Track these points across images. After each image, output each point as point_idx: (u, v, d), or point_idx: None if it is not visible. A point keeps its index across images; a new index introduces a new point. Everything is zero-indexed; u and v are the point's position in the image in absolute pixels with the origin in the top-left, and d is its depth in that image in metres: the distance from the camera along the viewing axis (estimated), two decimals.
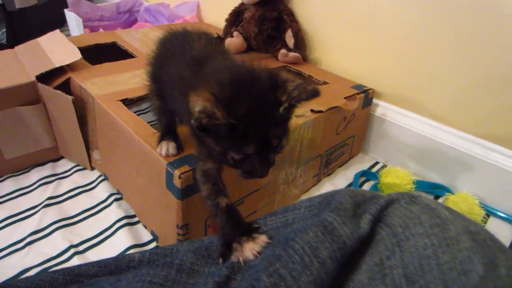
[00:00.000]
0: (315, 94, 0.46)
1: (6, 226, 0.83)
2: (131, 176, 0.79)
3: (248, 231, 0.46)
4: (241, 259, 0.42)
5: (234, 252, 0.43)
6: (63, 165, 1.02)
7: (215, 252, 0.46)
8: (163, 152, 0.65)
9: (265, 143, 0.47)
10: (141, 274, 0.44)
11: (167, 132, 0.68)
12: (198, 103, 0.42)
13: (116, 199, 0.90)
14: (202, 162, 0.56)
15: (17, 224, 0.83)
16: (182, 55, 0.60)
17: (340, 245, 0.34)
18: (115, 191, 0.92)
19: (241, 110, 0.44)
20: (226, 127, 0.43)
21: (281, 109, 0.46)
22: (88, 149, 0.96)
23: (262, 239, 0.43)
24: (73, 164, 1.02)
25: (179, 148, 0.66)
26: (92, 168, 1.00)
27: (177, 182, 0.62)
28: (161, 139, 0.67)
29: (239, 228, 0.46)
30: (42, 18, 1.79)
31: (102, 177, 0.97)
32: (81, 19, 1.56)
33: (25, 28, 1.74)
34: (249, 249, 0.42)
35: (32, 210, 0.87)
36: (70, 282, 0.47)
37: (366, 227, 0.36)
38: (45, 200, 0.89)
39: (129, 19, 1.83)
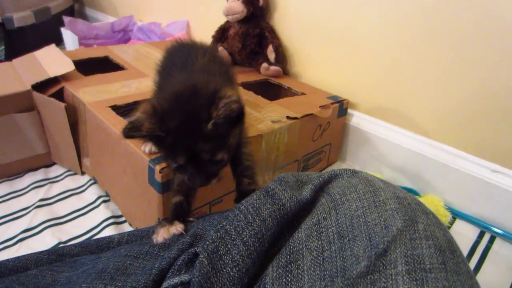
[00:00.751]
0: (238, 111, 0.47)
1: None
2: (118, 176, 0.85)
3: (175, 220, 0.54)
4: (154, 240, 0.51)
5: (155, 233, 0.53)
6: (55, 170, 1.07)
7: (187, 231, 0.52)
8: (147, 149, 0.71)
9: (195, 156, 0.50)
10: (119, 251, 0.49)
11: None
12: (135, 113, 0.49)
13: (104, 201, 0.95)
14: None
15: (9, 223, 0.88)
16: (183, 68, 0.64)
17: (279, 206, 0.40)
18: (104, 194, 0.97)
19: (172, 123, 0.48)
20: (155, 137, 0.49)
21: (209, 124, 0.47)
22: (79, 155, 1.02)
23: (177, 227, 0.52)
24: (65, 170, 1.07)
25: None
26: (83, 173, 1.05)
27: (158, 177, 0.68)
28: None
29: (172, 218, 0.55)
30: (39, 37, 1.88)
31: (91, 181, 1.02)
32: (76, 37, 1.64)
33: (23, 45, 1.82)
34: (160, 233, 0.52)
35: (24, 211, 0.92)
36: (54, 260, 0.52)
37: (307, 194, 0.42)
38: (36, 202, 0.94)
39: (124, 37, 1.92)
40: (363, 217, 0.37)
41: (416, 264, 0.30)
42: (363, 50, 1.09)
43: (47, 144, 1.06)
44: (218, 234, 0.39)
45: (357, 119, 1.16)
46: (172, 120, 0.48)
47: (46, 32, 1.92)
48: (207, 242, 0.39)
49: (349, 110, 1.17)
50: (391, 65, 1.05)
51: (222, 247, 0.38)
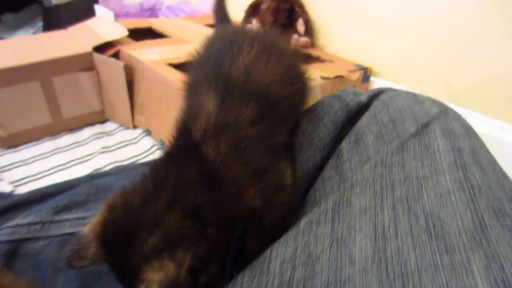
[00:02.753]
0: None
1: (70, 167, 1.00)
2: None
3: None
4: None
5: None
6: (109, 125, 1.20)
7: None
8: None
9: None
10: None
11: None
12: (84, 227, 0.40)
13: (158, 149, 1.08)
14: None
15: (79, 165, 1.01)
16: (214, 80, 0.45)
17: (345, 104, 0.53)
18: (157, 144, 1.10)
19: (113, 259, 0.38)
20: None
21: None
22: (131, 111, 1.14)
23: None
24: (117, 125, 1.20)
25: None
26: (135, 127, 1.18)
27: None
28: None
29: None
30: (73, 14, 1.99)
31: (144, 134, 1.15)
32: (112, 12, 1.75)
33: (58, 23, 1.93)
34: None
35: (90, 156, 1.05)
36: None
37: (364, 98, 0.54)
38: (99, 149, 1.07)
39: (152, 16, 2.03)
40: (408, 109, 0.49)
41: (449, 132, 0.42)
42: (387, 23, 1.21)
43: (102, 102, 1.18)
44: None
45: (378, 84, 1.29)
46: (113, 256, 0.37)
47: (79, 10, 2.04)
48: None
49: (372, 78, 1.29)
50: (413, 37, 1.17)
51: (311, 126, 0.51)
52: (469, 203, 0.34)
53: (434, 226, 0.33)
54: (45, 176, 0.97)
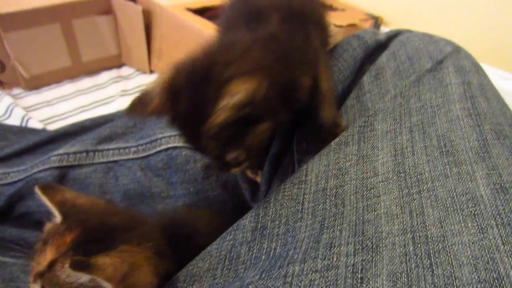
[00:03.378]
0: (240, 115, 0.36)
1: (93, 108, 1.06)
2: None
3: None
4: None
5: None
6: (126, 70, 1.24)
7: None
8: None
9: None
10: None
11: None
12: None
13: None
14: None
15: (101, 106, 1.07)
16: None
17: (364, 42, 0.57)
18: None
19: (180, 106, 0.39)
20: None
21: (210, 123, 0.36)
22: (148, 56, 1.18)
23: None
24: (134, 70, 1.24)
25: None
26: (151, 72, 1.22)
27: None
28: None
29: None
30: None
31: None
32: None
33: None
34: None
35: (111, 98, 1.10)
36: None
37: (382, 37, 0.58)
38: (119, 92, 1.12)
39: None
40: (424, 48, 0.54)
41: (460, 68, 0.48)
42: None
43: (120, 46, 1.22)
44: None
45: None
46: (180, 103, 0.38)
47: None
48: None
49: (382, 27, 1.31)
50: None
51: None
52: (475, 126, 0.40)
53: (445, 145, 0.40)
54: (70, 116, 1.03)
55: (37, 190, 0.41)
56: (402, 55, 0.54)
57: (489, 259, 0.30)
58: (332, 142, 0.45)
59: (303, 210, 0.39)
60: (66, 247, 0.36)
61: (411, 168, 0.39)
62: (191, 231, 0.47)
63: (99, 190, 0.64)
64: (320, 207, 0.38)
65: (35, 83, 1.10)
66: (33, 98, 1.07)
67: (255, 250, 0.38)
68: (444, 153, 0.39)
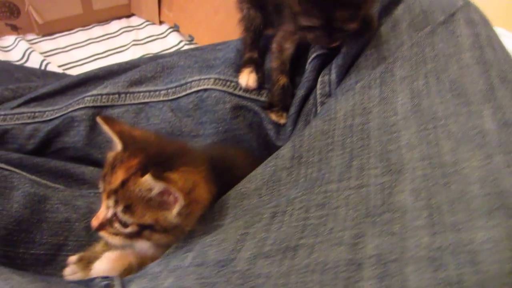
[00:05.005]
0: None
1: (107, 56, 1.09)
2: (207, 18, 1.05)
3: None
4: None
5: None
6: (135, 20, 1.25)
7: None
8: (243, 83, 0.63)
9: (329, 21, 0.50)
10: None
11: (252, 58, 0.66)
12: None
13: (186, 44, 1.16)
14: (281, 37, 0.62)
15: (115, 55, 1.10)
16: None
17: None
18: (185, 39, 1.18)
19: None
20: None
21: None
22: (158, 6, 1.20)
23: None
24: (144, 20, 1.25)
25: (260, 80, 0.64)
26: (161, 23, 1.24)
27: None
28: (244, 65, 0.65)
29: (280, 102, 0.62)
30: None
31: (171, 29, 1.21)
32: None
33: None
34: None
35: (124, 47, 1.13)
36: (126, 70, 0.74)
37: None
38: (131, 42, 1.14)
39: None
40: (437, 1, 0.58)
41: (470, 21, 0.52)
42: None
43: None
44: None
45: None
46: None
47: None
48: None
49: None
50: None
51: None
52: (483, 73, 0.47)
53: (456, 89, 0.46)
54: (86, 63, 1.06)
55: (99, 120, 0.47)
56: (416, 8, 0.58)
57: (494, 178, 0.37)
58: (356, 86, 0.51)
59: (334, 143, 0.46)
60: (134, 168, 0.42)
61: (426, 108, 0.45)
62: (229, 163, 0.54)
63: None
64: (348, 140, 0.45)
65: (48, 29, 1.12)
66: (47, 44, 1.09)
67: (294, 175, 0.45)
68: (456, 95, 0.45)
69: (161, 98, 0.69)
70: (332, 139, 0.46)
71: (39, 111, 0.72)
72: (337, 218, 0.37)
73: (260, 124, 0.64)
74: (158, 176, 0.38)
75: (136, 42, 1.14)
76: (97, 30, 1.18)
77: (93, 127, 0.70)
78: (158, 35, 1.20)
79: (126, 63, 0.79)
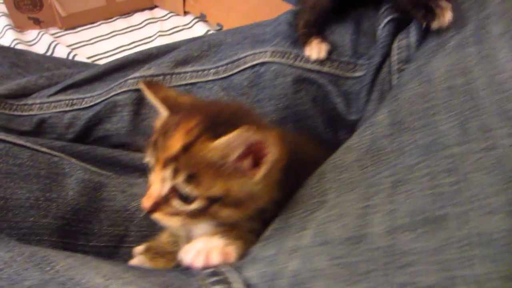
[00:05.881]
0: None
1: (134, 48, 1.04)
2: (238, 4, 1.00)
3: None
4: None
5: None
6: (158, 12, 1.21)
7: None
8: (314, 54, 0.57)
9: None
10: None
11: (313, 28, 0.59)
12: None
13: None
14: None
15: (141, 46, 1.05)
16: None
17: None
18: (213, 28, 1.13)
19: None
20: None
21: None
22: None
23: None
24: (167, 11, 1.21)
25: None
26: (185, 13, 1.19)
27: None
28: (308, 35, 0.59)
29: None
30: None
31: (196, 20, 1.17)
32: None
33: None
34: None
35: (149, 39, 1.08)
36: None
37: None
38: (157, 33, 1.10)
39: None
40: None
41: None
42: None
43: None
44: None
45: None
46: None
47: None
48: None
49: None
50: None
51: None
52: None
53: None
54: (112, 55, 1.01)
55: (142, 86, 0.42)
56: None
57: None
58: (447, 46, 0.46)
59: (436, 106, 0.41)
60: (198, 130, 0.36)
61: None
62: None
63: None
64: (453, 102, 0.40)
65: (71, 23, 1.07)
66: (71, 37, 1.05)
67: (397, 142, 0.39)
68: None
69: (211, 78, 0.64)
70: (434, 102, 0.41)
71: (77, 98, 0.67)
72: (473, 184, 0.32)
73: (326, 98, 0.58)
74: (252, 130, 0.32)
75: (162, 33, 1.10)
76: (121, 23, 1.13)
77: (137, 111, 0.65)
78: (183, 25, 1.15)
79: (165, 46, 0.74)
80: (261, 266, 0.31)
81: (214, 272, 0.32)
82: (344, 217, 0.32)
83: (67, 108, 0.66)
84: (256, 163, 0.36)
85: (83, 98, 0.67)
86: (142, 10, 1.20)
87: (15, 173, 0.45)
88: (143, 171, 0.62)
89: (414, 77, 0.45)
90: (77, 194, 0.47)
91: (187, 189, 0.35)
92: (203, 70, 0.65)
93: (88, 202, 0.48)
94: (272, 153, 0.34)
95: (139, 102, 0.65)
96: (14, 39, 0.97)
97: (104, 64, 0.71)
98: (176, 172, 0.35)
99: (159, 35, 1.09)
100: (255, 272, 0.30)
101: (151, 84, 0.43)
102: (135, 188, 0.53)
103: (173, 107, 0.40)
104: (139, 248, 0.45)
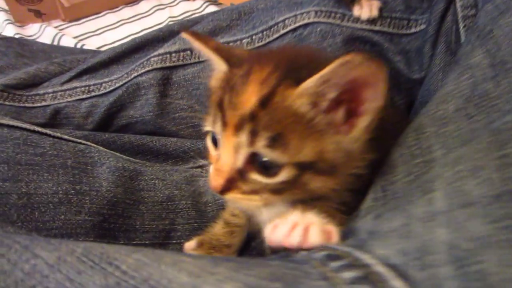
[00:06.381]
0: None
1: None
2: None
3: None
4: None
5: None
6: None
7: None
8: (365, 14, 0.50)
9: None
10: None
11: None
12: None
13: None
14: None
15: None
16: None
17: None
18: None
19: None
20: None
21: None
22: None
23: None
24: None
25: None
26: None
27: None
28: None
29: None
30: None
31: (208, 3, 1.09)
32: None
33: None
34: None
35: (160, 25, 1.00)
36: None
37: None
38: (167, 18, 1.02)
39: None
40: None
41: None
42: None
43: None
44: None
45: None
46: None
47: None
48: None
49: None
50: None
51: None
52: None
53: None
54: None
55: (187, 35, 0.35)
56: None
57: None
58: None
59: None
60: (275, 78, 0.29)
61: None
62: None
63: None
64: None
65: (75, 14, 1.00)
66: (76, 29, 0.97)
67: (504, 84, 0.32)
68: None
69: (245, 48, 0.56)
70: None
71: (94, 84, 0.59)
72: None
73: (382, 57, 0.51)
74: (359, 58, 0.25)
75: (173, 19, 1.02)
76: (127, 11, 1.06)
77: (164, 93, 0.58)
78: (194, 10, 1.07)
79: (188, 21, 0.66)
80: (393, 241, 0.24)
81: (334, 255, 0.24)
82: (479, 172, 0.24)
83: (84, 96, 0.59)
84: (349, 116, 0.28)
85: (101, 83, 0.59)
86: None
87: (37, 164, 0.38)
88: (177, 158, 0.55)
89: (506, 10, 0.37)
90: (112, 185, 0.39)
91: (272, 156, 0.27)
92: (235, 41, 0.57)
93: (125, 193, 0.40)
94: (378, 97, 0.26)
95: (166, 82, 0.57)
96: (15, 34, 0.90)
97: (120, 45, 0.64)
98: (254, 135, 0.27)
99: (170, 21, 1.01)
100: (390, 250, 0.23)
101: (198, 34, 0.36)
102: (176, 175, 0.45)
103: (230, 59, 0.32)
104: (190, 244, 0.38)
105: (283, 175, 0.28)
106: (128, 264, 0.21)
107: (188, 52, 0.57)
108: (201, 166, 0.51)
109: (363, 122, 0.28)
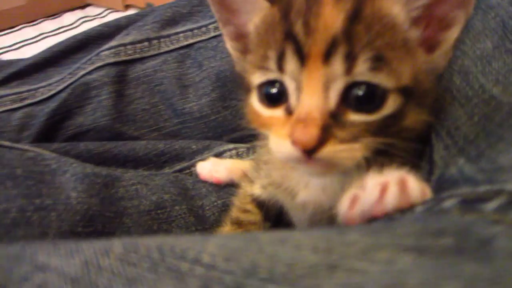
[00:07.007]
0: None
1: None
2: None
3: None
4: None
5: None
6: (92, 10, 1.02)
7: None
8: None
9: None
10: None
11: None
12: None
13: None
14: None
15: None
16: None
17: None
18: None
19: None
20: None
21: None
22: None
23: None
24: (104, 8, 1.03)
25: None
26: (126, 7, 1.02)
27: None
28: None
29: None
30: None
31: None
32: None
33: None
34: None
35: None
36: None
37: None
38: None
39: None
40: None
41: None
42: None
43: None
44: None
45: None
46: None
47: None
48: None
49: None
50: None
51: None
52: None
53: None
54: None
55: None
56: None
57: None
58: None
59: None
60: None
61: None
62: None
63: (178, 84, 0.49)
64: None
65: None
66: None
67: None
68: None
69: (212, 34, 0.50)
70: None
71: (27, 90, 0.48)
72: None
73: None
74: None
75: None
76: (48, 25, 0.93)
77: (120, 92, 0.48)
78: None
79: (136, 14, 0.57)
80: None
81: (474, 198, 0.17)
82: None
83: (15, 105, 0.47)
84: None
85: (36, 89, 0.48)
86: (73, 9, 1.00)
87: None
88: (150, 163, 0.45)
89: None
90: (83, 195, 0.29)
91: (377, 80, 0.21)
92: (199, 28, 0.50)
93: (103, 204, 0.30)
94: (469, 2, 0.24)
95: (122, 79, 0.48)
96: None
97: (55, 45, 0.53)
98: (351, 59, 0.21)
99: None
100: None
101: None
102: (157, 179, 0.36)
103: None
104: None
105: (389, 106, 0.22)
106: (210, 253, 0.13)
107: (146, 43, 0.49)
108: (180, 170, 0.43)
109: (453, 34, 0.24)
